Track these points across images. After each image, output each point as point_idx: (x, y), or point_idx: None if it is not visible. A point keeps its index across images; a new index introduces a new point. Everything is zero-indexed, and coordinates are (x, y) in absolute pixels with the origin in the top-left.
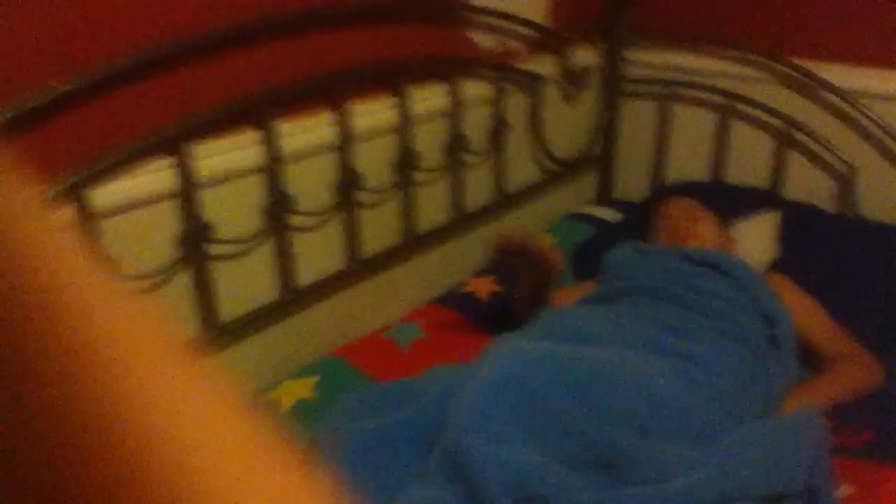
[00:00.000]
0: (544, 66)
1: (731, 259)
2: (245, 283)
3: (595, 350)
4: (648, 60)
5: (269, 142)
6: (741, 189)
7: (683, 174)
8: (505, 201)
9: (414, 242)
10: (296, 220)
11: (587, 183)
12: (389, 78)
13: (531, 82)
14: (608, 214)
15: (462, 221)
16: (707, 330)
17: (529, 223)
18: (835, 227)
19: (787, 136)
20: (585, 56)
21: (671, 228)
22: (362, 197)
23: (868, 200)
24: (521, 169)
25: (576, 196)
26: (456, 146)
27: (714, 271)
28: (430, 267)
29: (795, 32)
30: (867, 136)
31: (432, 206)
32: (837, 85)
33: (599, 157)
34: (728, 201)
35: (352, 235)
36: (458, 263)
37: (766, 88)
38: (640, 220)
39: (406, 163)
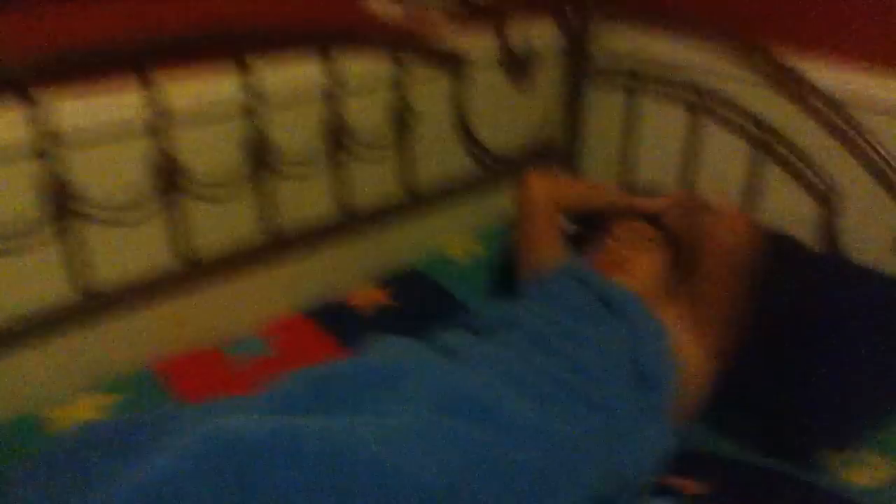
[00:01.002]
0: (476, 44)
1: (637, 309)
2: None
3: (334, 422)
4: (615, 47)
5: None
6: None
7: (654, 176)
8: (412, 202)
9: (278, 244)
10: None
11: None
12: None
13: (451, 63)
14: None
15: (349, 223)
16: (560, 389)
17: (452, 228)
18: (806, 266)
19: (764, 145)
20: (541, 35)
21: (610, 252)
22: (203, 191)
23: (853, 233)
24: (444, 165)
25: None
26: (336, 136)
27: (614, 318)
28: (303, 274)
29: (784, 21)
30: (857, 156)
31: (308, 203)
32: (826, 90)
33: (560, 153)
34: None
35: (184, 232)
36: (344, 272)
37: (746, 89)
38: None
39: (259, 154)
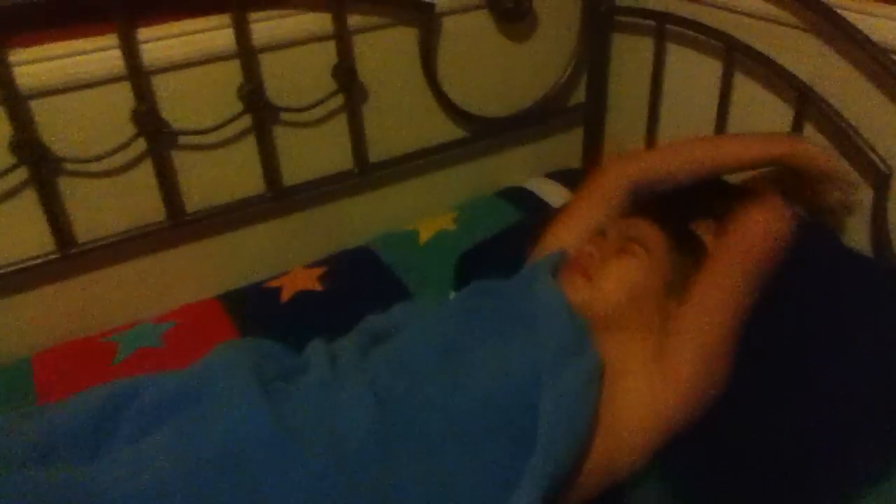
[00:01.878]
0: None
1: (563, 338)
2: None
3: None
4: None
5: None
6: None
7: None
8: (364, 170)
9: (184, 222)
10: None
11: (559, 147)
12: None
13: (417, 9)
14: (555, 193)
15: (276, 198)
16: (414, 436)
17: (424, 201)
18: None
19: (805, 109)
20: None
21: (582, 255)
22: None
23: None
24: (414, 130)
25: (541, 162)
26: (254, 98)
27: (529, 341)
28: (219, 253)
29: None
30: None
31: (227, 176)
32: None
33: (572, 114)
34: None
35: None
36: (274, 251)
37: (788, 37)
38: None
39: (147, 122)
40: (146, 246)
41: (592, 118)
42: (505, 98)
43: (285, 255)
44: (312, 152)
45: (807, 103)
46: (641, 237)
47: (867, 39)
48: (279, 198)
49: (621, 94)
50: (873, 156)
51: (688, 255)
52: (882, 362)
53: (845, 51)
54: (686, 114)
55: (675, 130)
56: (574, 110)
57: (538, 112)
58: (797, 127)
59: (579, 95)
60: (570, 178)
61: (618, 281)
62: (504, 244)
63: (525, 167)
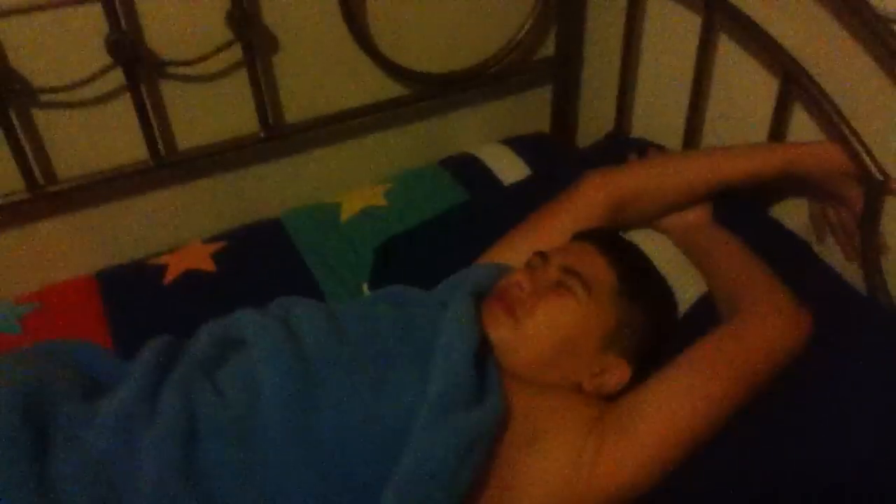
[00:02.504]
0: None
1: (458, 380)
2: None
3: None
4: None
5: None
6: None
7: (654, 111)
8: (272, 134)
9: (50, 194)
10: None
11: (521, 108)
12: None
13: None
14: (507, 165)
15: (161, 166)
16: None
17: (345, 171)
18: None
19: (789, 91)
20: None
21: (511, 286)
22: None
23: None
24: (341, 86)
25: (498, 125)
26: (122, 49)
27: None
28: (101, 225)
29: None
30: None
31: (103, 139)
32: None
33: (548, 66)
34: None
35: None
36: (170, 224)
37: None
38: (563, 180)
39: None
40: (10, 217)
41: (564, 74)
42: (454, 50)
43: (184, 227)
44: (209, 113)
45: (791, 83)
46: (585, 273)
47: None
48: (165, 166)
49: (595, 47)
50: (866, 157)
51: (641, 306)
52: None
53: (842, 20)
54: (666, 74)
55: (651, 91)
56: (541, 65)
57: (496, 67)
58: (781, 108)
59: (548, 48)
60: (529, 146)
61: (546, 325)
62: (435, 235)
63: (479, 132)
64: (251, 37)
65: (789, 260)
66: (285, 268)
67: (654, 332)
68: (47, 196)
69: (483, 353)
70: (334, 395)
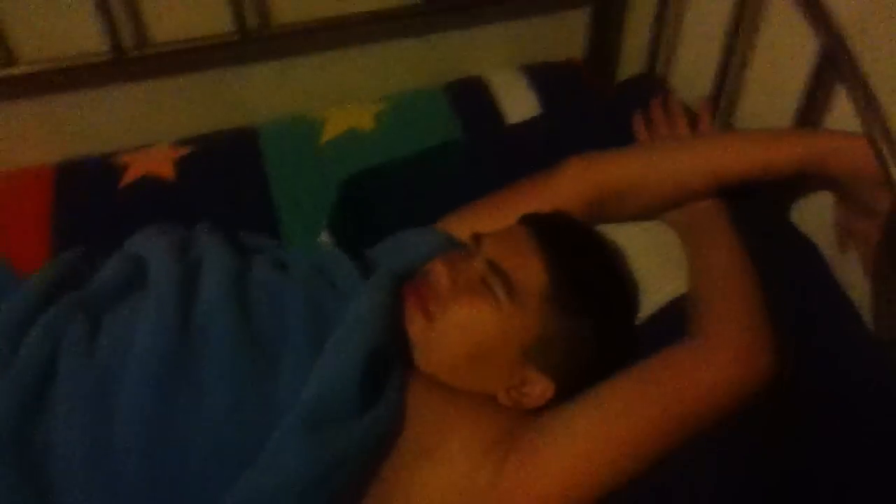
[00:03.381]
0: None
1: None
2: None
3: None
4: None
5: None
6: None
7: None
8: (247, 37)
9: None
10: None
11: (551, 30)
12: None
13: None
14: (519, 98)
15: (117, 63)
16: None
17: (335, 83)
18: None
19: (825, 68)
20: None
21: (429, 275)
22: None
23: None
24: None
25: (521, 48)
26: None
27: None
28: (65, 114)
29: None
30: None
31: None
32: None
33: None
34: None
35: None
36: (140, 120)
37: None
38: (573, 127)
39: None
40: None
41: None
42: None
43: (157, 126)
44: (184, 5)
45: (829, 58)
46: (513, 272)
47: None
48: (130, 60)
49: None
50: (890, 160)
51: (575, 318)
52: None
53: None
54: (710, 22)
55: (691, 39)
56: None
57: None
58: (815, 87)
59: None
60: (548, 77)
61: (457, 329)
62: (407, 179)
63: (499, 55)
64: None
65: (787, 269)
66: (246, 190)
67: (590, 349)
68: (2, 80)
69: (389, 350)
70: (208, 376)
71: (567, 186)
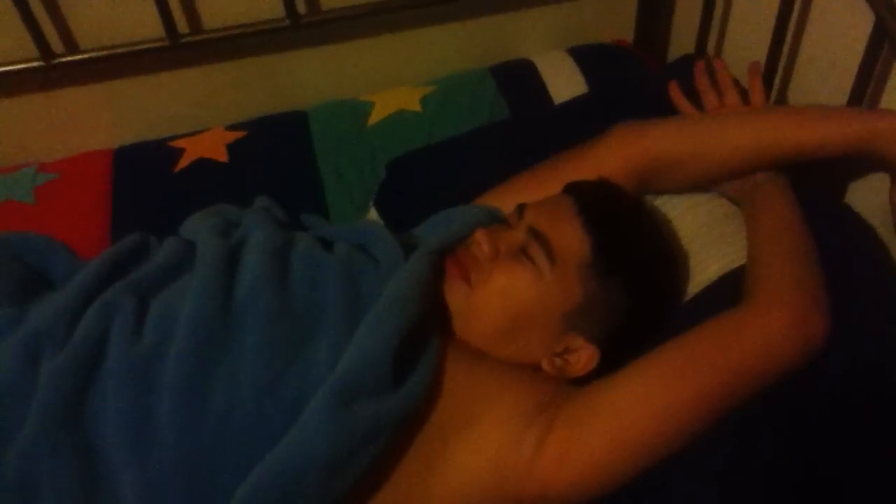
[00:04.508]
0: None
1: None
2: None
3: None
4: None
5: None
6: None
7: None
8: (297, 22)
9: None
10: None
11: (599, 12)
12: None
13: None
14: (565, 79)
15: (175, 48)
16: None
17: (384, 67)
18: None
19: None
20: None
21: (472, 245)
22: None
23: None
24: None
25: (569, 30)
26: None
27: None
28: (120, 100)
29: None
30: None
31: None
32: None
33: None
34: None
35: None
36: (194, 105)
37: None
38: (620, 103)
39: None
40: (27, 84)
41: None
42: None
43: (208, 110)
44: None
45: (883, 30)
46: (554, 239)
47: None
48: (184, 46)
49: None
50: None
51: (617, 284)
52: None
53: None
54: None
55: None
56: None
57: None
58: (870, 61)
59: None
60: (595, 57)
61: (500, 297)
62: (455, 157)
63: (547, 36)
64: None
65: (845, 251)
66: (296, 171)
67: (634, 315)
68: (65, 66)
69: (427, 325)
70: (247, 351)
71: (611, 154)
